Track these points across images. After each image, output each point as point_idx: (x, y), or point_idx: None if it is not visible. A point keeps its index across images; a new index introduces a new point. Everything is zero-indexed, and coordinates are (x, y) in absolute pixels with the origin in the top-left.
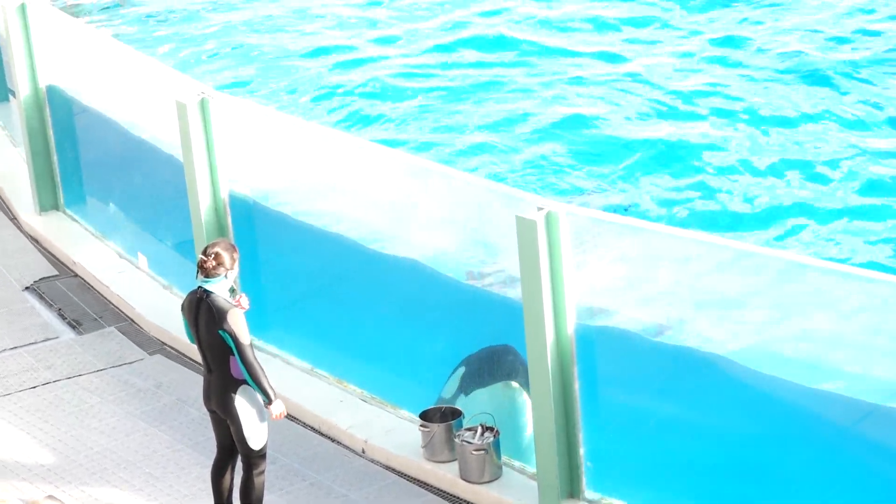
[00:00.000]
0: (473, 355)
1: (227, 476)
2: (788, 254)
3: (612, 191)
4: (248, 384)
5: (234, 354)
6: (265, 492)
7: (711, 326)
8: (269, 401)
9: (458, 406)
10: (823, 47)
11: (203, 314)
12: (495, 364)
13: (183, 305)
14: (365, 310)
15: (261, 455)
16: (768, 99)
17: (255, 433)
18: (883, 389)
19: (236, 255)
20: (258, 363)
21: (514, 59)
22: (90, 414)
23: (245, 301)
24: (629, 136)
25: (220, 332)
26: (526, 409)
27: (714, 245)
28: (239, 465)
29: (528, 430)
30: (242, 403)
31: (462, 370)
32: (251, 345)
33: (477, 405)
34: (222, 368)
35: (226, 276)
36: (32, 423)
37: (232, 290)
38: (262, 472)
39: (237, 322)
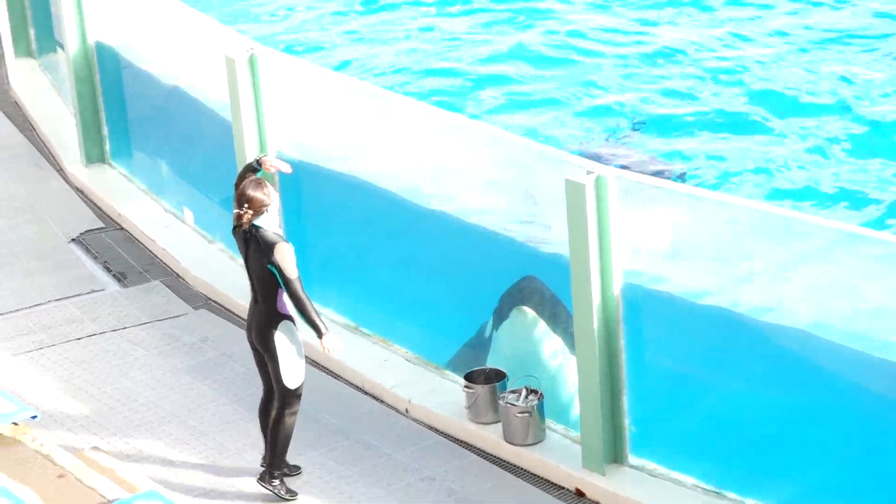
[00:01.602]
0: (506, 291)
1: (271, 409)
2: (839, 223)
3: (644, 131)
4: (292, 321)
5: (282, 288)
6: (292, 434)
7: (759, 294)
8: (320, 335)
9: (490, 343)
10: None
11: (252, 247)
12: (516, 294)
13: (235, 231)
14: (410, 268)
15: (296, 395)
16: (821, 70)
17: (291, 371)
18: None
19: (266, 190)
20: (307, 297)
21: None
22: (135, 367)
23: (282, 165)
24: (681, 108)
25: (269, 265)
26: (542, 337)
27: (763, 212)
28: None
29: (552, 370)
30: (282, 339)
31: (496, 307)
32: (299, 278)
33: (502, 338)
34: (269, 301)
35: (265, 214)
36: (77, 374)
37: (257, 167)
38: (295, 412)
39: (284, 256)
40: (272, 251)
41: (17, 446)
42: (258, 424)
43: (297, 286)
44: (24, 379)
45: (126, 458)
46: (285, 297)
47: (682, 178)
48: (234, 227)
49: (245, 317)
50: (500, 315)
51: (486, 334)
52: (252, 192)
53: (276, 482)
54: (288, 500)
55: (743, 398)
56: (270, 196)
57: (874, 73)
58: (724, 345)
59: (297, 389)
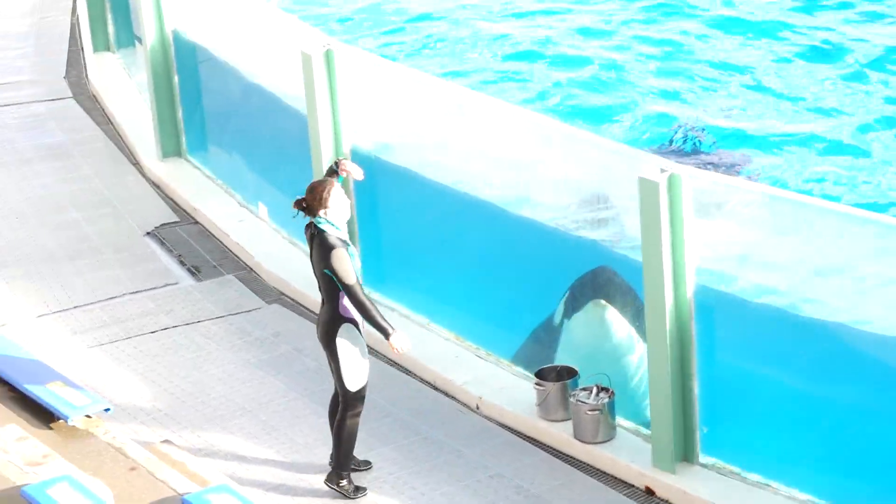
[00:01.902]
0: (577, 279)
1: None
2: None
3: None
4: (355, 324)
5: (342, 291)
6: (357, 434)
7: (834, 296)
8: (387, 336)
9: (561, 331)
10: None
11: (315, 250)
12: (589, 284)
13: (306, 230)
14: (483, 266)
15: (357, 397)
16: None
17: (353, 374)
18: None
19: (329, 188)
20: (369, 300)
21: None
22: (207, 360)
23: (355, 170)
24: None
25: (326, 271)
26: (617, 332)
27: (838, 213)
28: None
29: (624, 365)
30: (343, 342)
31: (567, 295)
32: (359, 282)
33: (575, 329)
34: (332, 303)
35: (325, 213)
36: (150, 367)
37: (335, 168)
38: (357, 413)
39: (339, 262)
40: (329, 256)
41: (90, 439)
42: (327, 419)
43: (357, 290)
44: (98, 372)
45: (197, 451)
46: (346, 301)
47: (755, 178)
48: (306, 227)
49: (317, 312)
50: (573, 306)
51: (556, 323)
52: (316, 184)
53: (343, 482)
54: (355, 498)
55: (814, 398)
56: (333, 199)
57: None
58: (795, 345)
59: (358, 392)
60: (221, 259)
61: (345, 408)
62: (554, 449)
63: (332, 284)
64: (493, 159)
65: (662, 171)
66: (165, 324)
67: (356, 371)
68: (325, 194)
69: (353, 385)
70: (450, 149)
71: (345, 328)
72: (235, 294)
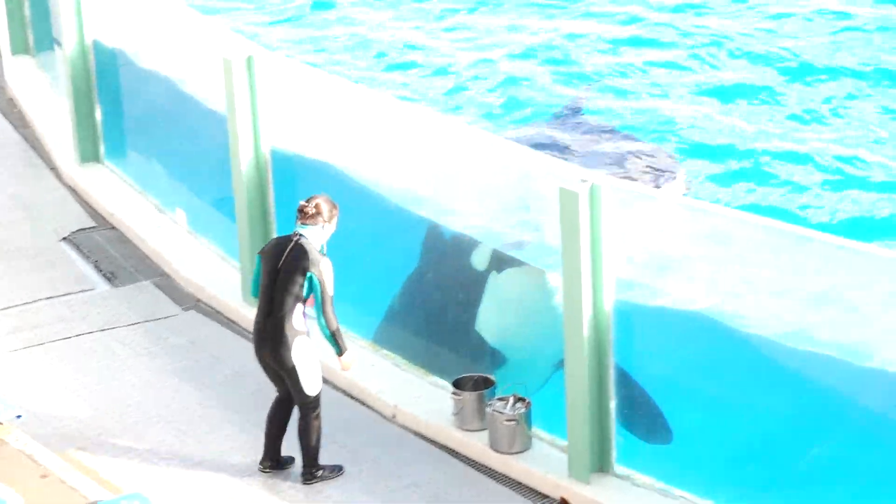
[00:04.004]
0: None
1: (286, 419)
2: (831, 237)
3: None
4: (306, 336)
5: (303, 303)
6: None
7: (752, 307)
8: (340, 353)
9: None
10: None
11: (292, 255)
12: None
13: (264, 249)
14: (399, 274)
15: (316, 399)
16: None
17: (311, 381)
18: None
19: (336, 212)
20: (335, 316)
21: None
22: (123, 367)
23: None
24: (684, 118)
25: (309, 274)
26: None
27: (757, 225)
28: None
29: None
30: (299, 353)
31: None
32: (332, 297)
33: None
34: (285, 316)
35: (322, 226)
36: (65, 373)
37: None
38: (319, 414)
39: (328, 272)
40: (318, 263)
41: (1, 446)
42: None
43: (332, 305)
44: (10, 377)
45: (111, 459)
46: (304, 312)
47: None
48: (266, 248)
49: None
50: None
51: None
52: (323, 202)
53: (320, 472)
54: (339, 475)
55: (729, 409)
56: (332, 222)
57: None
58: (713, 356)
59: (318, 395)
60: (138, 265)
61: (306, 413)
62: (470, 459)
63: (298, 293)
64: (413, 167)
65: (583, 181)
66: (81, 330)
67: (314, 377)
68: (335, 213)
69: (313, 391)
70: (369, 156)
71: (298, 340)
72: (152, 300)
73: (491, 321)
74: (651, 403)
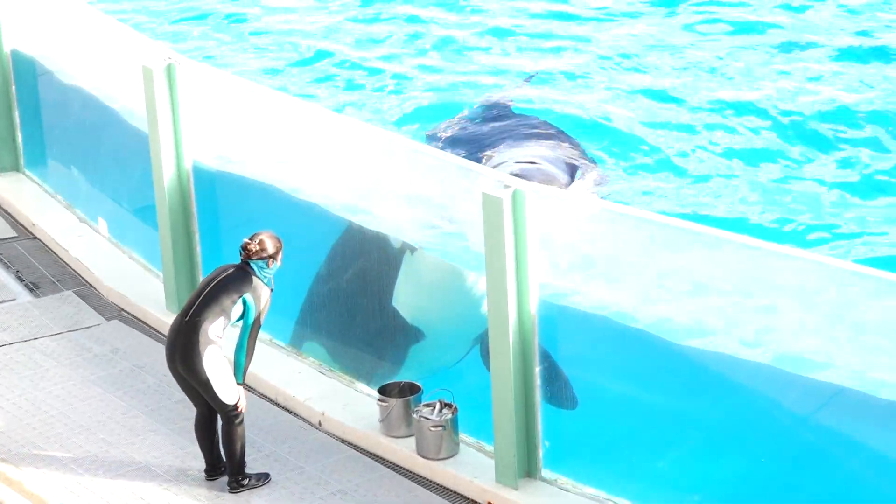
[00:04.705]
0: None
1: (212, 430)
2: (750, 239)
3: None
4: (217, 347)
5: (227, 318)
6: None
7: (676, 311)
8: (240, 382)
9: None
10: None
11: (235, 274)
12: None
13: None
14: (325, 281)
15: (236, 406)
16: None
17: (226, 389)
18: (848, 378)
19: (280, 248)
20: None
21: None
22: (45, 377)
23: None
24: (607, 116)
25: (244, 297)
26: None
27: (678, 228)
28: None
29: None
30: (210, 362)
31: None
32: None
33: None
34: (201, 322)
35: (268, 264)
36: None
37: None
38: (241, 420)
39: (265, 302)
40: (259, 289)
41: None
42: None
43: (256, 332)
44: None
45: (35, 470)
46: (219, 325)
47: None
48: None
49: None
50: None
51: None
52: (267, 238)
53: (246, 480)
54: (266, 483)
55: (655, 413)
56: (277, 259)
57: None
58: (637, 361)
59: (237, 402)
60: (60, 275)
61: (228, 421)
62: (397, 465)
63: (230, 309)
64: (336, 174)
65: (506, 186)
66: (2, 340)
67: (229, 384)
68: (280, 249)
69: (230, 398)
70: (293, 163)
71: (210, 349)
72: (74, 310)
73: (407, 297)
74: (561, 373)
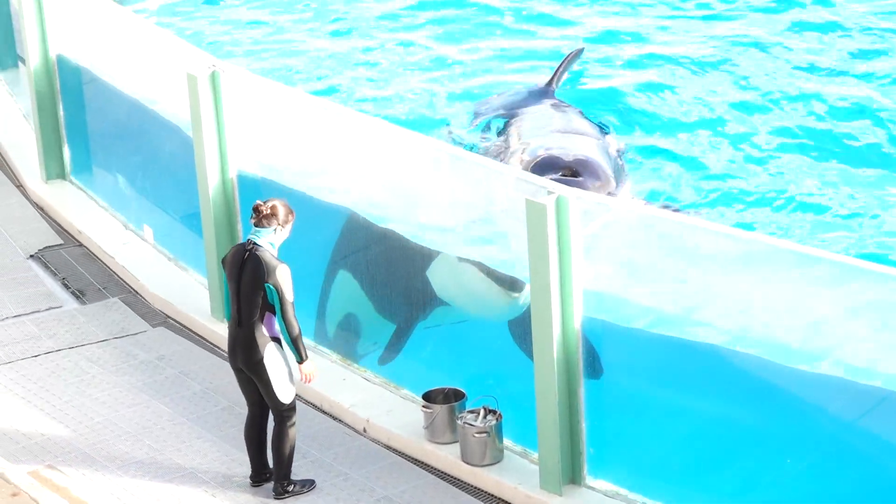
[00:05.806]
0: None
1: (263, 432)
2: (799, 246)
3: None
4: (278, 343)
5: (272, 312)
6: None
7: (719, 317)
8: (300, 361)
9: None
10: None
11: (249, 266)
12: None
13: (225, 258)
14: (372, 288)
15: (291, 407)
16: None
17: (284, 388)
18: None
19: (291, 218)
20: (297, 322)
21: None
22: (92, 384)
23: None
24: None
25: (267, 285)
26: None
27: (725, 235)
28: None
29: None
30: (270, 360)
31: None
32: (293, 303)
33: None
34: (255, 324)
35: (275, 230)
36: (34, 392)
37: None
38: (294, 423)
39: (285, 278)
40: (273, 272)
41: None
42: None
43: (292, 310)
44: None
45: (81, 476)
46: (273, 320)
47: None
48: (236, 249)
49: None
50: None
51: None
52: (279, 205)
53: (292, 486)
54: (311, 489)
55: (699, 421)
56: (286, 227)
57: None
58: (680, 368)
59: (291, 402)
60: (106, 282)
61: (281, 421)
62: (441, 471)
63: (265, 301)
64: (379, 181)
65: (549, 192)
66: (49, 347)
67: (287, 384)
68: (291, 219)
69: (286, 398)
70: (337, 171)
71: (270, 346)
72: (120, 317)
73: (442, 272)
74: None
